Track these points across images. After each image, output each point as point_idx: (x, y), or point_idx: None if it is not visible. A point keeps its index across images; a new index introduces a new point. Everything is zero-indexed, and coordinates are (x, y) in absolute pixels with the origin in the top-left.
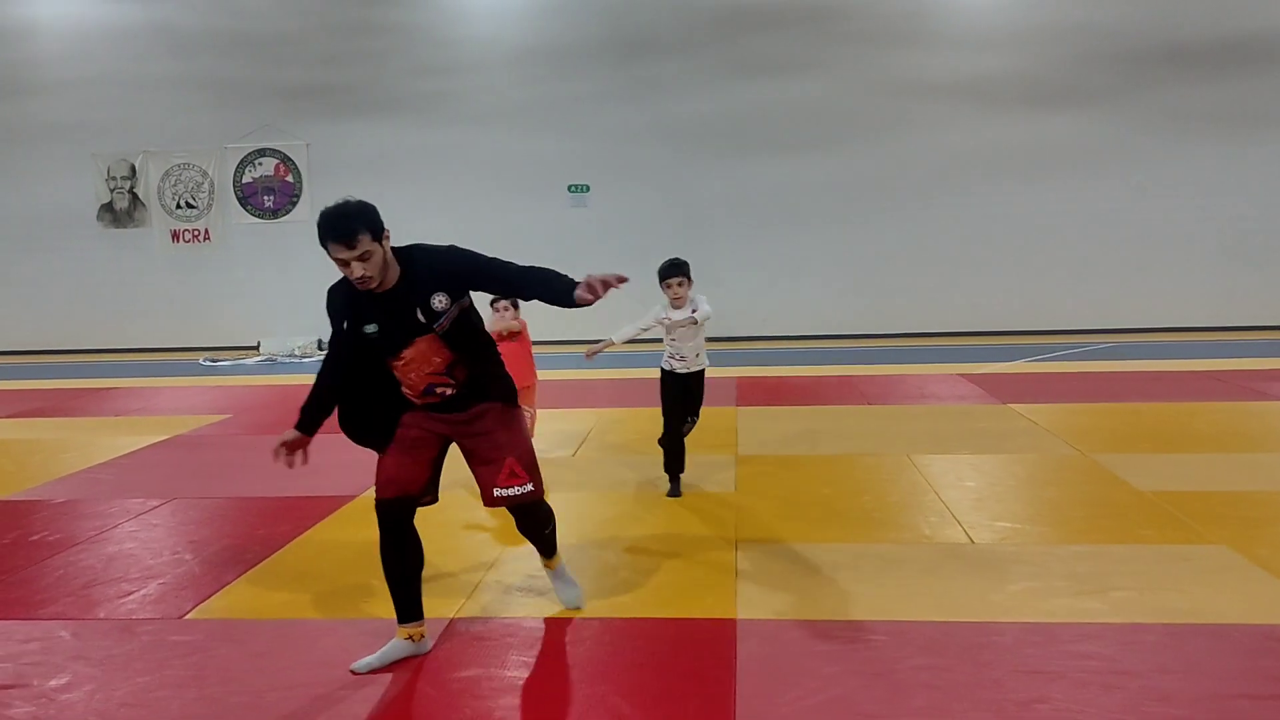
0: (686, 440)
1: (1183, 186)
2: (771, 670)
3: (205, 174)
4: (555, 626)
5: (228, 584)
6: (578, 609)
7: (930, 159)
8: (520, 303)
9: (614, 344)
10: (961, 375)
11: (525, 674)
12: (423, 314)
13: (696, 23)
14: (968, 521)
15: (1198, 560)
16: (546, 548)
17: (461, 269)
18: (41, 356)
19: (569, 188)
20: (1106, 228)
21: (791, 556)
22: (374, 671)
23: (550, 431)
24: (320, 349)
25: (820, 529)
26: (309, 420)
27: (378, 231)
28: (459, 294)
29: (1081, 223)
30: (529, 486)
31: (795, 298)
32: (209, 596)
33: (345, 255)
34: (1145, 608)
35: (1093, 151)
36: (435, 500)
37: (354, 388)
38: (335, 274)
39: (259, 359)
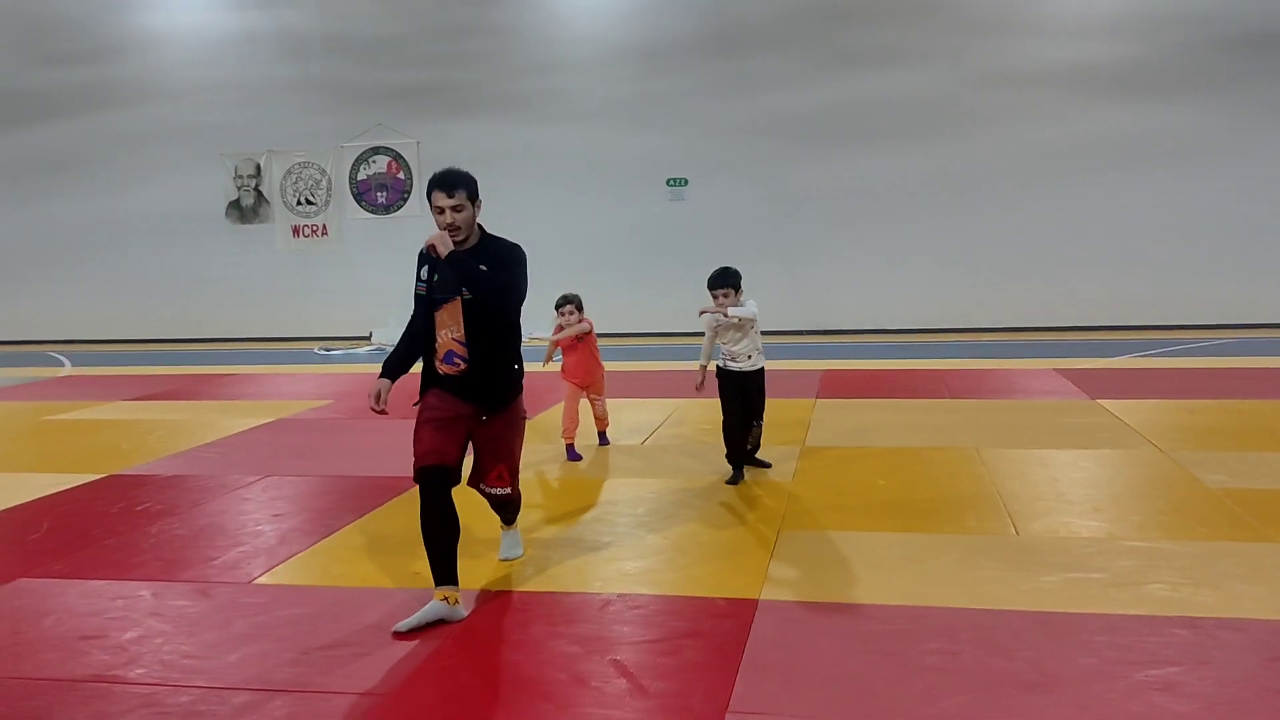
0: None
1: None
2: (781, 648)
3: (323, 172)
4: (580, 601)
5: (297, 553)
6: (510, 560)
7: (1030, 150)
8: (583, 304)
9: (707, 367)
10: (1056, 370)
11: (542, 641)
12: (463, 275)
13: (793, 16)
14: (1018, 514)
15: (1246, 557)
16: (508, 520)
17: (507, 263)
18: (174, 345)
19: (668, 182)
20: (1213, 220)
21: (830, 544)
22: (413, 632)
23: (623, 421)
24: None
25: (866, 519)
26: (392, 367)
27: (474, 195)
28: None
29: (1186, 215)
30: (508, 490)
31: (891, 291)
32: (279, 564)
33: (443, 202)
34: (1174, 602)
35: (1197, 142)
36: (458, 481)
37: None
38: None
39: (369, 348)
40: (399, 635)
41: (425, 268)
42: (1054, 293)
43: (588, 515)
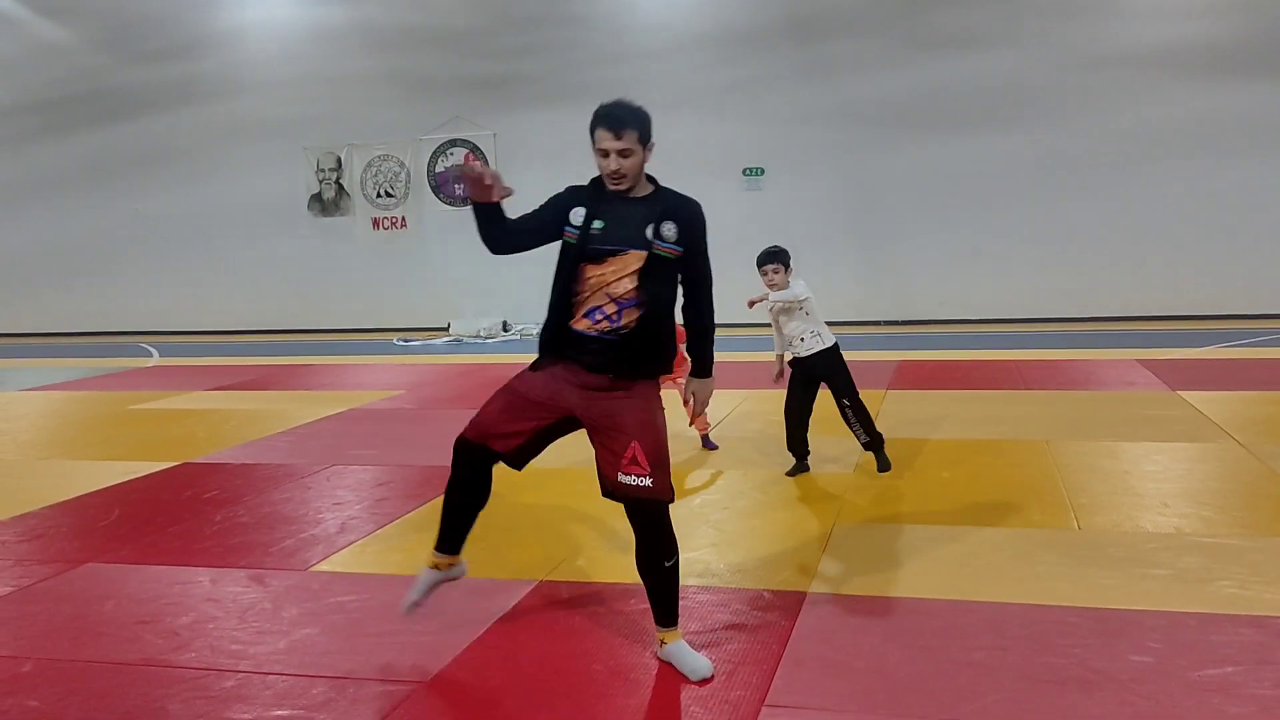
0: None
1: None
2: (823, 642)
3: (402, 164)
4: (624, 592)
5: (354, 542)
6: (706, 679)
7: (1121, 135)
8: None
9: (783, 356)
10: (1139, 360)
11: (586, 631)
12: (651, 231)
13: None
14: (1083, 509)
15: None
16: (662, 600)
17: (696, 227)
18: (258, 336)
19: (744, 171)
20: None
21: (886, 538)
22: (417, 606)
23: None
24: (505, 330)
25: (925, 513)
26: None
27: (646, 137)
28: (682, 243)
29: None
30: (647, 480)
31: (974, 281)
32: (336, 552)
33: (609, 145)
34: (1240, 600)
35: None
36: (519, 469)
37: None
38: (520, 258)
39: (446, 339)
40: (408, 614)
41: (578, 209)
42: (1143, 281)
43: None
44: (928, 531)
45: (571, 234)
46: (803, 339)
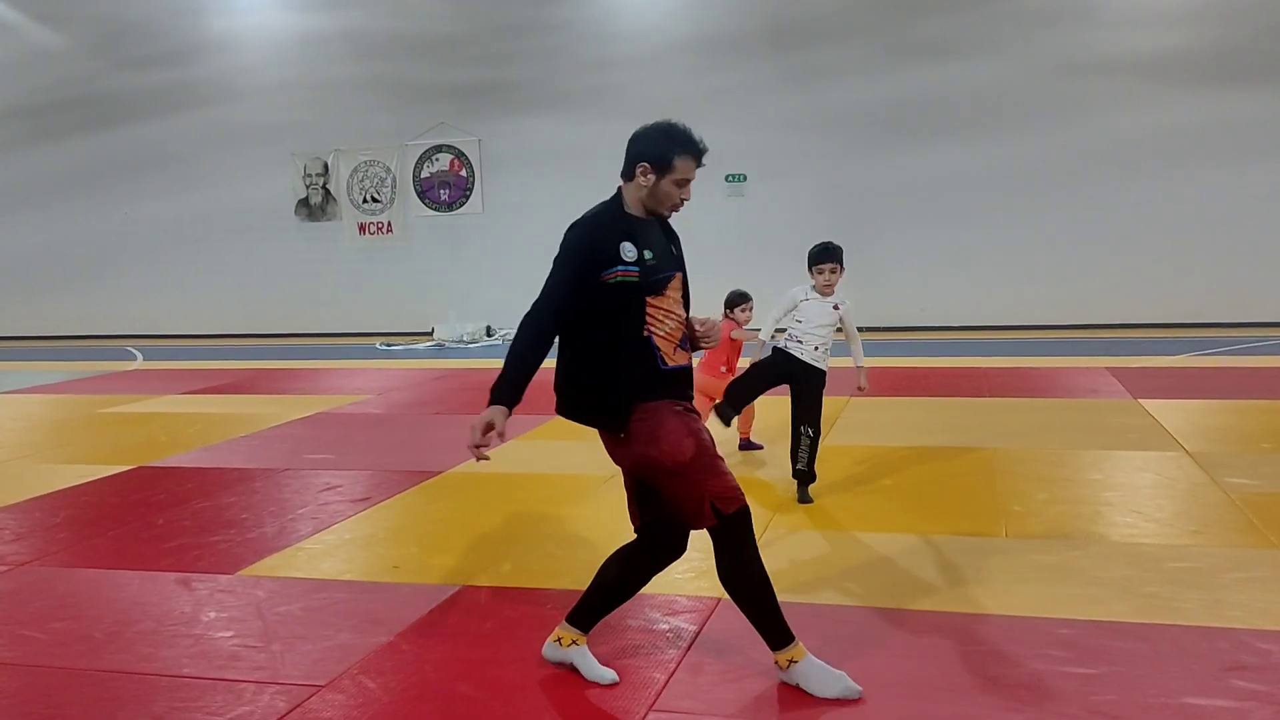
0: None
1: None
2: (725, 648)
3: (388, 170)
4: (542, 598)
5: (287, 546)
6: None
7: (1102, 143)
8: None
9: (763, 341)
10: (1108, 368)
11: (493, 639)
12: (675, 250)
13: (854, 7)
14: (1015, 516)
15: (1243, 562)
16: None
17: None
18: (244, 340)
19: (726, 177)
20: None
21: (818, 543)
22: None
23: None
24: (489, 335)
25: (861, 519)
26: (512, 389)
27: None
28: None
29: (1267, 208)
30: None
31: (953, 288)
32: (267, 556)
33: (692, 175)
34: (1150, 609)
35: (1273, 132)
36: None
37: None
38: (505, 262)
39: (429, 344)
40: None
41: (628, 243)
42: (1119, 289)
43: (574, 507)
44: (856, 538)
45: (631, 272)
46: (816, 347)
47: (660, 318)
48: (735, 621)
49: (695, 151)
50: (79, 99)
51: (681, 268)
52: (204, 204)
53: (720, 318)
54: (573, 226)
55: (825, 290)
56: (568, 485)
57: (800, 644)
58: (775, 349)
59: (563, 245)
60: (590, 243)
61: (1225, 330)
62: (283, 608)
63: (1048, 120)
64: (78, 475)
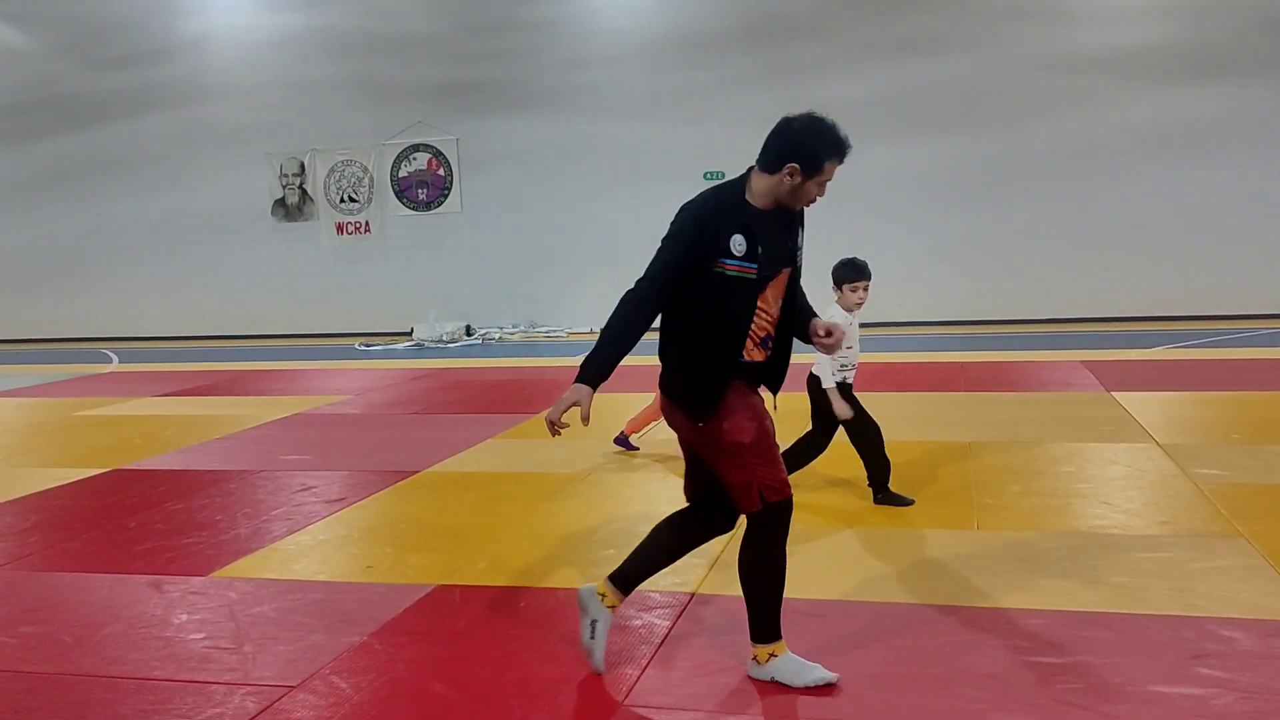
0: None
1: None
2: (698, 642)
3: (365, 170)
4: (516, 596)
5: (261, 547)
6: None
7: (1076, 139)
8: None
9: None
10: (1082, 362)
11: (464, 638)
12: (792, 243)
13: (831, 4)
14: (987, 509)
15: (1208, 552)
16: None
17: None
18: (222, 341)
19: (705, 175)
20: (1262, 207)
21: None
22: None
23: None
24: (468, 335)
25: (832, 513)
26: (599, 368)
27: None
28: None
29: (1246, 201)
30: None
31: (929, 284)
32: (241, 557)
33: (833, 176)
34: (1119, 599)
35: (1251, 127)
36: None
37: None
38: (484, 262)
39: (408, 345)
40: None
41: (740, 236)
42: (1095, 283)
43: (550, 505)
44: (829, 533)
45: (739, 267)
46: (844, 364)
47: (761, 313)
48: (708, 617)
49: (844, 154)
50: (50, 99)
51: (793, 262)
52: (179, 205)
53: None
54: (685, 208)
55: (857, 308)
56: (543, 483)
57: (784, 641)
58: (843, 385)
59: (673, 224)
60: (699, 229)
61: (1197, 323)
62: (255, 609)
63: (1023, 116)
64: (51, 479)
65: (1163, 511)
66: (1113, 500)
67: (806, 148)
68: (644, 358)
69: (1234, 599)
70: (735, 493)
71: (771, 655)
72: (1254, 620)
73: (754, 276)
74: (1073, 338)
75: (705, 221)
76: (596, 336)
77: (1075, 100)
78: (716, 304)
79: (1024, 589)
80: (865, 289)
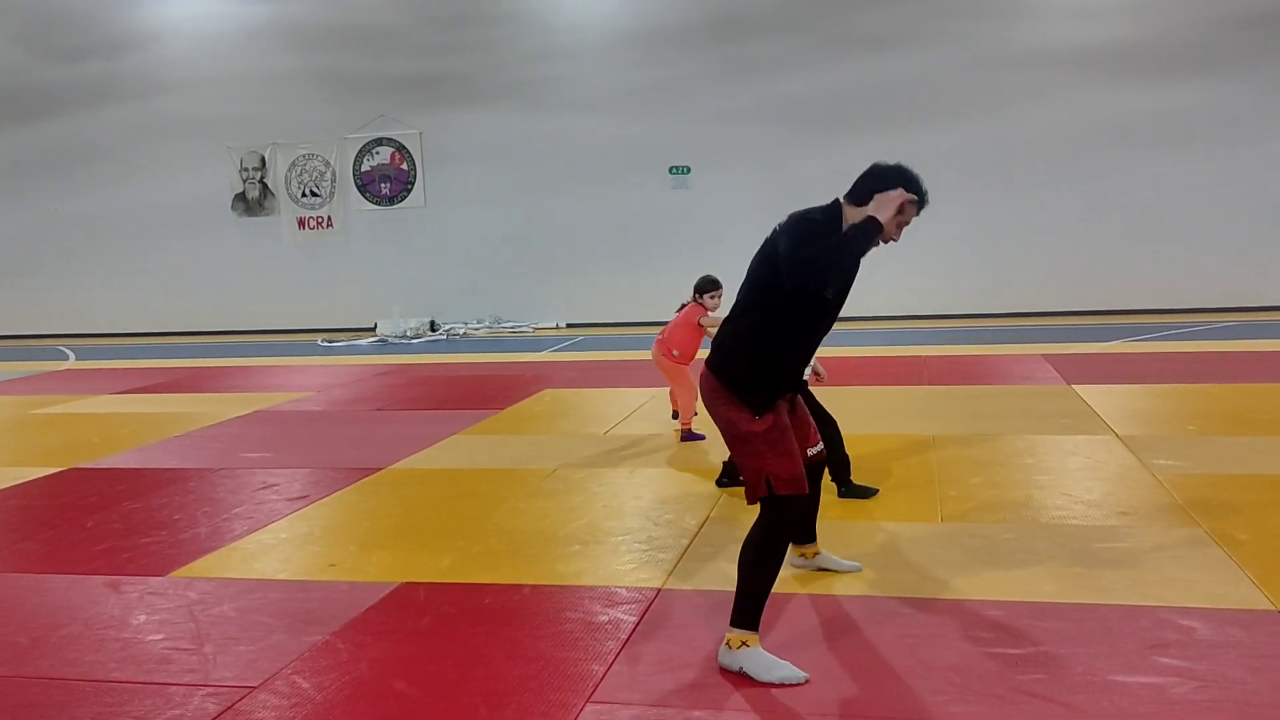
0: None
1: None
2: (663, 639)
3: (327, 164)
4: (479, 593)
5: (221, 547)
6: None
7: (1036, 134)
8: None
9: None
10: (1043, 355)
11: (427, 636)
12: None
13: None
14: (950, 501)
15: (1164, 542)
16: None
17: None
18: (180, 338)
19: (670, 169)
20: (1230, 201)
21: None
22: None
23: (596, 411)
24: (433, 330)
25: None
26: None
27: None
28: None
29: (1202, 196)
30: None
31: (894, 278)
32: (201, 557)
33: (911, 221)
34: (1081, 589)
35: (1208, 123)
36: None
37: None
38: (449, 257)
39: (372, 340)
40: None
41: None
42: (1056, 277)
43: (515, 502)
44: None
45: (840, 296)
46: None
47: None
48: (674, 613)
49: (924, 203)
50: (4, 92)
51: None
52: (137, 199)
53: (689, 302)
54: (816, 222)
55: None
56: (509, 480)
57: (758, 635)
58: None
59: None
60: (862, 248)
61: (1154, 317)
62: (215, 609)
63: (983, 111)
64: (6, 478)
65: (1121, 502)
66: (1072, 491)
67: (900, 186)
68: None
69: (1191, 589)
70: (748, 480)
71: (744, 644)
72: (1211, 610)
73: (837, 302)
74: (1033, 331)
75: (861, 242)
76: (564, 332)
77: (1034, 97)
78: (810, 320)
79: (985, 580)
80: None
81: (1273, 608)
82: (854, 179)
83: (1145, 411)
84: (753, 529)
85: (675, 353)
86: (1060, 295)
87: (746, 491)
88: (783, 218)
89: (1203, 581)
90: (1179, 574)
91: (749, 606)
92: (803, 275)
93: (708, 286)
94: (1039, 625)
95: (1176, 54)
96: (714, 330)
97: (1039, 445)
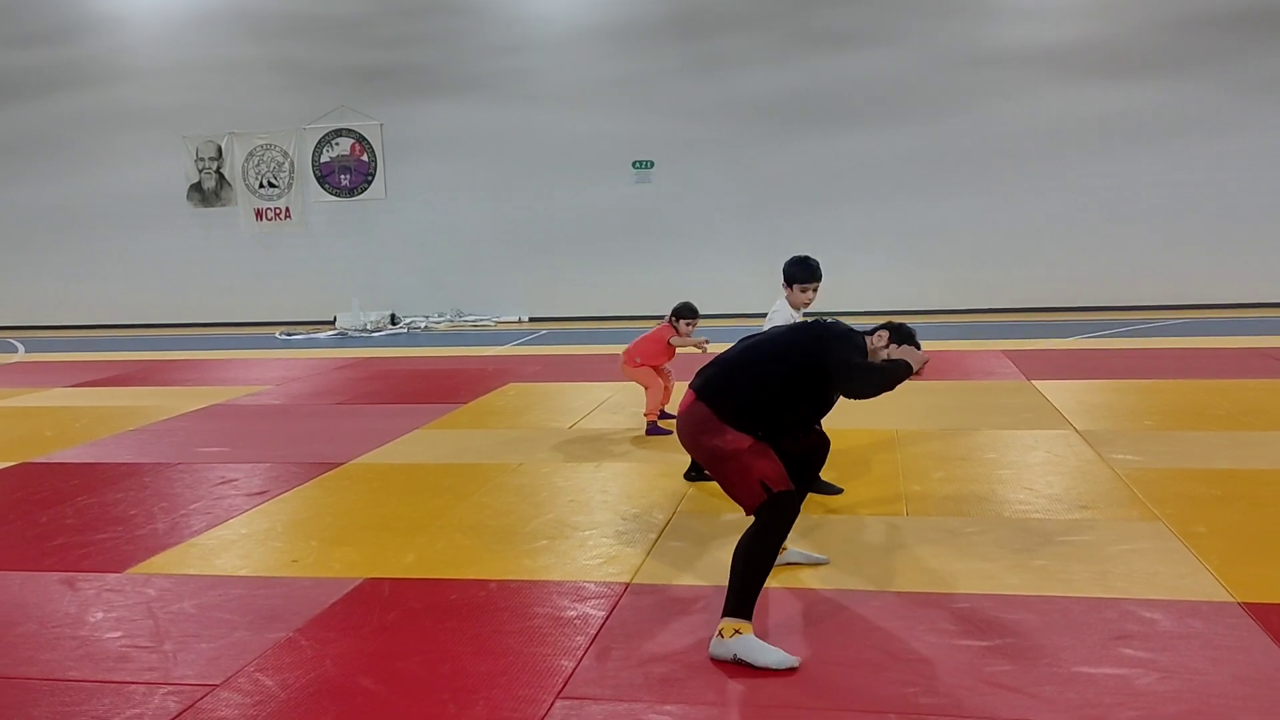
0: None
1: (1267, 157)
2: (632, 633)
3: (286, 154)
4: (444, 587)
5: (179, 543)
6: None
7: (1001, 132)
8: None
9: None
10: (1003, 352)
11: (393, 631)
12: None
13: None
14: (915, 495)
15: (1126, 535)
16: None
17: None
18: (135, 330)
19: (634, 164)
20: (1185, 200)
21: (721, 528)
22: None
23: (561, 405)
24: (393, 324)
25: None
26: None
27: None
28: None
29: (1158, 195)
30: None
31: (858, 274)
32: (158, 553)
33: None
34: (1046, 581)
35: (1170, 122)
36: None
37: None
38: (410, 250)
39: (331, 333)
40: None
41: None
42: (1015, 274)
43: (478, 496)
44: (693, 519)
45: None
46: None
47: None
48: (643, 607)
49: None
50: None
51: None
52: (91, 189)
53: (664, 322)
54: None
55: (804, 307)
56: (473, 475)
57: (750, 624)
58: None
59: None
60: None
61: (1112, 313)
62: (175, 606)
63: (945, 110)
64: None
65: (1082, 496)
66: (1034, 485)
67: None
68: (594, 347)
69: (1152, 581)
70: (743, 490)
71: (736, 631)
72: (1172, 601)
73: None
74: (993, 327)
75: None
76: (526, 326)
77: (996, 96)
78: (821, 396)
79: (951, 573)
80: (815, 290)
81: (1231, 599)
82: (814, 176)
83: (1103, 406)
84: (751, 528)
85: (638, 360)
86: (1019, 292)
87: (744, 504)
88: (743, 213)
89: (1163, 574)
90: (1140, 566)
91: (746, 598)
92: (854, 380)
93: (686, 314)
94: (1005, 617)
95: (1135, 55)
96: (681, 349)
97: (1000, 440)
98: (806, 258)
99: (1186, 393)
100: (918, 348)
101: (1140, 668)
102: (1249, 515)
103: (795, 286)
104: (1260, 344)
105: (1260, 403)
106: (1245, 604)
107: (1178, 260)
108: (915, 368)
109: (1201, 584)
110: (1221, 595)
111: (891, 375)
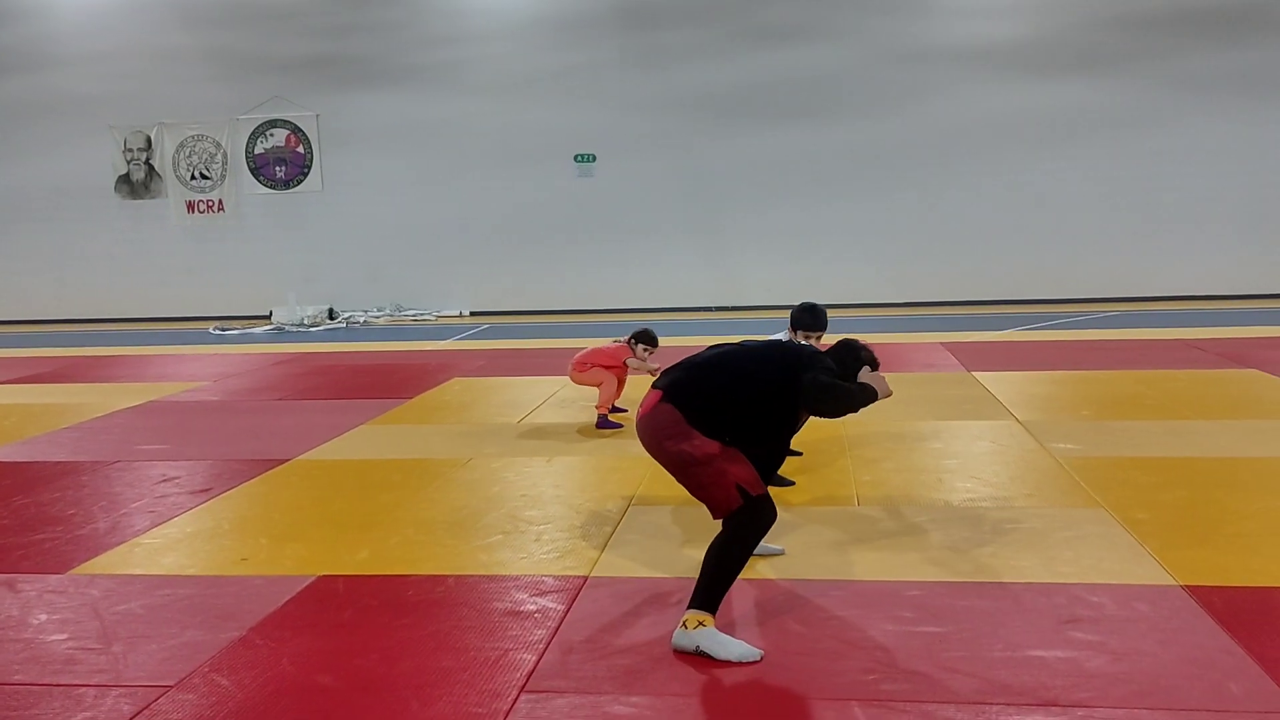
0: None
1: (1196, 154)
2: (594, 626)
3: (218, 145)
4: (400, 584)
5: (123, 542)
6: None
7: (940, 128)
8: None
9: None
10: (943, 344)
11: (350, 629)
12: None
13: None
14: (865, 485)
15: (1071, 523)
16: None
17: None
18: (62, 326)
19: (575, 158)
20: (1117, 196)
21: (674, 519)
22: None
23: (506, 399)
24: (331, 318)
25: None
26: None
27: None
28: None
29: (1092, 191)
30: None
31: (800, 268)
32: (102, 553)
33: None
34: (990, 569)
35: (1103, 119)
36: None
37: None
38: (348, 243)
39: (267, 328)
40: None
41: None
42: (952, 268)
43: (431, 491)
44: (646, 512)
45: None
46: None
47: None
48: (603, 599)
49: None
50: None
51: None
52: (14, 180)
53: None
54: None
55: None
56: (422, 469)
57: (714, 617)
58: None
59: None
60: None
61: (1046, 306)
62: (121, 606)
63: (885, 105)
64: None
65: (1026, 485)
66: (980, 475)
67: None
68: (538, 341)
69: (1098, 566)
70: (714, 497)
71: (700, 624)
72: (1118, 585)
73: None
74: (931, 320)
75: None
76: (468, 320)
77: (934, 92)
78: (793, 415)
79: (904, 561)
80: (818, 339)
81: (1174, 583)
82: (752, 171)
83: (1042, 397)
84: (727, 531)
85: (590, 364)
86: (957, 286)
87: (716, 509)
88: (686, 207)
89: (1108, 559)
90: (1085, 552)
91: (712, 594)
92: (825, 401)
93: (646, 340)
94: (958, 604)
95: (1068, 53)
96: (634, 373)
97: (945, 430)
98: (814, 305)
99: (1120, 383)
100: (874, 367)
101: (1090, 650)
102: (1186, 501)
103: (800, 333)
104: (1188, 335)
105: (1189, 392)
106: (1187, 586)
107: (1108, 254)
108: (881, 397)
109: (1145, 568)
110: (1164, 579)
111: (861, 399)
